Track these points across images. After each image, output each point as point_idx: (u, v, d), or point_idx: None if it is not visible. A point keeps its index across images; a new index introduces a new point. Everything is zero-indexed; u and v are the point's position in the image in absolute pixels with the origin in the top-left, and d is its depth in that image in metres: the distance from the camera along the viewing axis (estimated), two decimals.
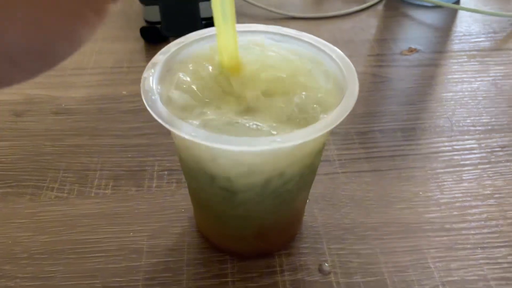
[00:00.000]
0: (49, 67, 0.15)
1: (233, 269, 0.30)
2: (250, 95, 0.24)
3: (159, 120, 0.22)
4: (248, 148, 0.21)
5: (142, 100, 0.42)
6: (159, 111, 0.22)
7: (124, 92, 0.44)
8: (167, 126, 0.21)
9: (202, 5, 0.52)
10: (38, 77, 0.44)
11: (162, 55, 0.26)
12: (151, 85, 0.24)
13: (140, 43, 0.52)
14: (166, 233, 0.32)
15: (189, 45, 0.27)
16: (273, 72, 0.25)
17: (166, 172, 0.36)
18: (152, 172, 0.36)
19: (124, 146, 0.39)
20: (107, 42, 0.52)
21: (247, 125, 0.23)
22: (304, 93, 0.25)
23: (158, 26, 0.51)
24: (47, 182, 0.35)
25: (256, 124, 0.23)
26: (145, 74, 0.24)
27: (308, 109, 0.24)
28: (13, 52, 0.13)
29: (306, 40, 0.28)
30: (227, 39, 0.24)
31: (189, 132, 0.21)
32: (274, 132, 0.22)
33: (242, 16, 0.57)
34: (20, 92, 0.44)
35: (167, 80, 0.25)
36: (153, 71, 0.25)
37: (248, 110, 0.24)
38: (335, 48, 0.27)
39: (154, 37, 0.51)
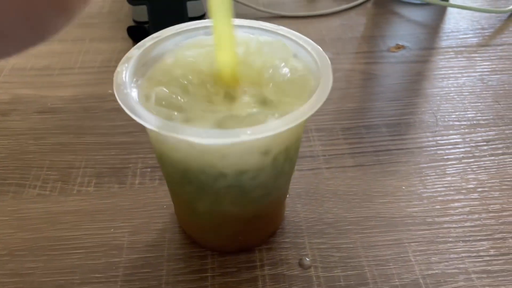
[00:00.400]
0: (41, 39, 0.14)
1: (213, 264, 0.30)
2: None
3: (129, 113, 0.22)
4: (218, 140, 0.21)
5: None
6: (130, 104, 0.22)
7: (110, 91, 0.44)
8: (133, 116, 0.22)
9: (189, 5, 0.52)
10: (26, 77, 0.44)
11: (136, 50, 0.26)
12: (124, 79, 0.24)
13: (128, 43, 0.52)
14: (147, 229, 0.32)
15: (165, 39, 0.27)
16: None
17: (149, 169, 0.36)
18: (135, 170, 0.36)
19: (108, 144, 0.39)
20: (95, 42, 0.52)
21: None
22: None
23: (146, 25, 0.52)
24: (30, 180, 0.35)
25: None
26: (118, 68, 0.25)
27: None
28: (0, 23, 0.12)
29: (283, 34, 0.28)
30: (228, 52, 0.24)
31: (157, 124, 0.21)
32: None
33: None
34: (8, 92, 0.44)
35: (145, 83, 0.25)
36: (127, 65, 0.25)
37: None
38: (311, 41, 0.27)
39: (142, 36, 0.51)
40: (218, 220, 0.29)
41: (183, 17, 0.51)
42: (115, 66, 0.48)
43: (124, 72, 0.24)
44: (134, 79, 0.25)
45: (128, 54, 0.25)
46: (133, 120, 0.40)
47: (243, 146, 0.22)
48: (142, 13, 0.53)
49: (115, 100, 0.43)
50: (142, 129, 0.40)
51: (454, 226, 0.32)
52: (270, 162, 0.24)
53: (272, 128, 0.21)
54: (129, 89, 0.23)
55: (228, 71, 0.24)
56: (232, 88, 0.24)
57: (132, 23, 0.54)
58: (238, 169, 0.24)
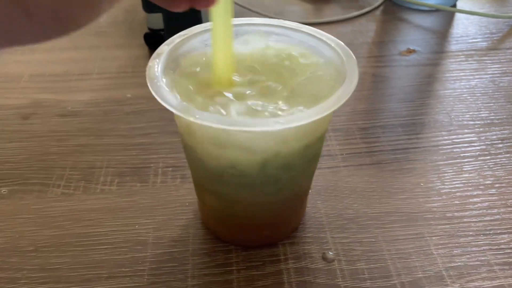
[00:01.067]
0: (66, 29, 0.14)
1: (237, 258, 0.30)
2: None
3: (163, 103, 0.22)
4: (252, 128, 0.22)
5: (145, 101, 0.43)
6: (164, 96, 0.23)
7: (129, 95, 0.45)
8: (167, 106, 0.22)
9: (204, 12, 0.53)
10: (45, 83, 0.45)
11: (166, 46, 0.27)
12: (156, 73, 0.25)
13: (144, 50, 0.53)
14: (171, 226, 0.32)
15: (192, 37, 0.28)
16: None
17: (170, 169, 0.37)
18: (157, 169, 0.37)
19: (129, 145, 0.39)
20: (111, 49, 0.53)
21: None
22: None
23: (162, 33, 0.53)
24: (54, 180, 0.36)
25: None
26: (150, 63, 0.25)
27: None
28: (29, 3, 0.13)
29: (306, 31, 0.28)
30: (223, 57, 0.25)
31: (194, 114, 0.22)
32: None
33: None
34: (28, 97, 0.45)
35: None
36: (158, 60, 0.26)
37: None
38: (333, 37, 0.28)
39: (158, 43, 0.52)
40: (246, 215, 0.29)
41: (198, 24, 0.52)
42: (133, 72, 0.49)
43: (156, 67, 0.25)
44: (165, 74, 0.26)
45: (158, 51, 0.26)
46: (152, 122, 0.41)
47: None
48: (157, 21, 0.54)
49: (134, 104, 0.44)
50: (161, 130, 0.40)
51: (474, 220, 0.32)
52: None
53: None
54: (161, 82, 0.24)
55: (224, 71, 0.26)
56: (227, 87, 0.26)
57: (147, 31, 0.55)
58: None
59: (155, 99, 0.23)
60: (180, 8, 0.21)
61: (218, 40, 0.25)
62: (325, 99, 0.23)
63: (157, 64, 0.25)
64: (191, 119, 0.22)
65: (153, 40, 0.53)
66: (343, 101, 0.23)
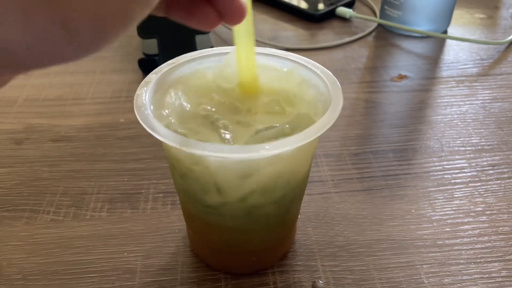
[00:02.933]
0: (103, 41, 0.14)
1: (226, 287, 0.30)
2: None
3: (150, 131, 0.23)
4: (238, 155, 0.22)
5: (139, 126, 0.43)
6: (151, 124, 0.23)
7: (122, 120, 0.45)
8: (157, 136, 0.22)
9: (198, 38, 0.54)
10: (39, 107, 0.45)
11: (154, 75, 0.27)
12: (144, 101, 0.25)
13: (138, 75, 0.53)
14: (160, 253, 0.32)
15: (180, 65, 0.29)
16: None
17: (161, 195, 0.37)
18: (148, 195, 0.37)
19: (121, 170, 0.39)
20: (106, 74, 0.54)
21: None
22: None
23: (156, 58, 0.53)
24: (44, 206, 0.36)
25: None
26: (138, 91, 0.26)
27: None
28: (68, 18, 0.13)
29: (292, 59, 0.29)
30: (249, 60, 0.26)
31: (177, 141, 0.22)
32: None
33: None
34: (21, 121, 0.45)
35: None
36: (145, 88, 0.26)
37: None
38: (319, 65, 0.28)
39: (152, 68, 0.53)
40: (233, 239, 0.29)
41: (192, 50, 0.53)
42: (126, 97, 0.50)
43: (144, 95, 0.25)
44: (152, 102, 0.26)
45: (146, 79, 0.27)
46: (145, 147, 0.41)
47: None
48: (152, 46, 0.55)
49: (127, 129, 0.44)
50: (154, 155, 0.41)
51: (465, 248, 0.32)
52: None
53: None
54: (149, 110, 0.24)
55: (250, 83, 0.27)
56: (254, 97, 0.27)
57: (142, 56, 0.55)
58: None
59: None
60: (214, 27, 0.21)
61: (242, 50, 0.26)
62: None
63: (144, 92, 0.26)
64: (176, 145, 0.22)
65: (147, 65, 0.53)
66: (325, 129, 0.23)
